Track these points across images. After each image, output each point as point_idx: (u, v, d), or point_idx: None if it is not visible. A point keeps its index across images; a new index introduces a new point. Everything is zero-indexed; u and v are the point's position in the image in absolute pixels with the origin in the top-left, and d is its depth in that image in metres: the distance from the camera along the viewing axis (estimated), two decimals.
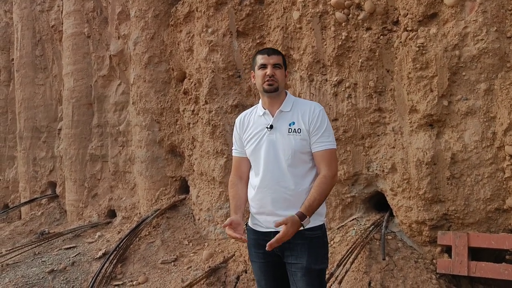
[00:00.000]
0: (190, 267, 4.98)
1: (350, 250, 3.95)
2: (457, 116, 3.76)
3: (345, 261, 3.85)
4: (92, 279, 5.04)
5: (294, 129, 2.42)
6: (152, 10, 6.26)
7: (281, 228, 2.32)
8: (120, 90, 7.22)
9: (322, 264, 2.42)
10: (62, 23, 7.94)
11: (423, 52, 3.79)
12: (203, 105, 5.52)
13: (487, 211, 3.72)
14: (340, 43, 4.28)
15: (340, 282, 3.72)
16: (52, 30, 8.55)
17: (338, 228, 4.45)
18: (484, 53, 3.57)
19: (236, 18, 5.14)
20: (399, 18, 4.04)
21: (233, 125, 5.35)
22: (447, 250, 3.88)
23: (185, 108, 5.99)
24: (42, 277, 5.40)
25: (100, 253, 5.72)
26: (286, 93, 2.54)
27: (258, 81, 2.49)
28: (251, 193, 2.52)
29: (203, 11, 5.41)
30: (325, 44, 4.40)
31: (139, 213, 6.55)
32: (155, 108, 6.36)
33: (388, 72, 4.18)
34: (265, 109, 2.51)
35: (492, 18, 3.53)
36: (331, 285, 3.73)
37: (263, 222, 2.45)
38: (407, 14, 3.90)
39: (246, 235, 2.55)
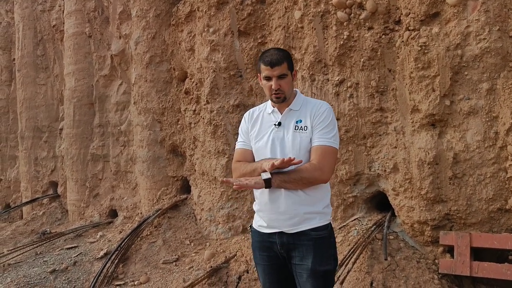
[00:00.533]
0: (192, 267, 4.98)
1: (352, 250, 3.94)
2: (459, 116, 3.75)
3: (347, 261, 3.84)
4: (94, 279, 5.04)
5: (301, 127, 2.40)
6: (153, 10, 6.26)
7: (284, 229, 2.34)
8: (121, 90, 7.22)
9: (327, 265, 2.37)
10: (64, 23, 7.94)
11: (425, 51, 3.78)
12: (204, 104, 5.51)
13: (489, 211, 3.71)
14: (341, 42, 4.27)
15: (342, 282, 3.71)
16: (53, 30, 8.56)
17: (340, 228, 4.44)
18: (486, 53, 3.56)
19: (237, 17, 5.13)
20: (401, 18, 4.02)
21: (234, 125, 5.37)
22: (449, 250, 3.87)
23: (186, 108, 5.99)
24: (44, 277, 5.40)
25: (101, 253, 5.72)
26: (296, 92, 2.52)
27: (265, 91, 2.47)
28: (256, 190, 2.47)
29: (204, 10, 5.40)
30: (327, 44, 4.39)
31: (141, 213, 6.55)
32: (156, 108, 6.35)
33: (390, 71, 4.17)
34: (274, 107, 2.51)
35: (494, 17, 3.52)
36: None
37: (267, 220, 2.42)
38: (409, 13, 3.89)
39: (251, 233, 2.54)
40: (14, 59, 9.51)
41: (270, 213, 2.40)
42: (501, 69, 3.57)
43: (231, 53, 5.25)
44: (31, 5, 8.84)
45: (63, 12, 8.05)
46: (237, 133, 5.34)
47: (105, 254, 5.67)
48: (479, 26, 3.56)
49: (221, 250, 5.05)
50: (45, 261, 5.86)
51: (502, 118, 3.59)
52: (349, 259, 3.86)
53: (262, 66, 2.41)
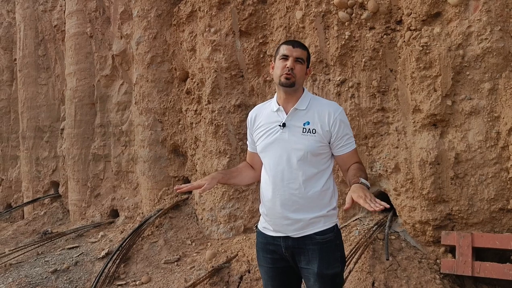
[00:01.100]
0: (193, 267, 4.98)
1: (353, 250, 3.94)
2: (461, 116, 3.75)
3: (348, 261, 3.84)
4: (95, 279, 5.04)
5: (309, 129, 2.29)
6: (154, 10, 6.26)
7: (289, 234, 2.32)
8: (122, 90, 7.23)
9: (335, 268, 2.32)
10: (65, 23, 7.94)
11: (427, 51, 3.77)
12: (205, 105, 5.51)
13: (491, 211, 3.71)
14: (343, 42, 4.27)
15: (343, 282, 3.71)
16: (54, 30, 8.56)
17: (341, 228, 4.43)
18: (488, 53, 3.56)
19: (239, 17, 5.13)
20: (403, 18, 4.02)
21: (236, 125, 5.37)
22: (451, 250, 3.86)
23: (187, 108, 5.99)
24: (45, 277, 5.41)
25: (103, 253, 5.73)
26: (303, 90, 2.41)
27: (276, 72, 2.34)
28: (262, 192, 2.44)
29: (205, 10, 5.40)
30: (328, 44, 4.39)
31: (142, 213, 6.55)
32: (157, 108, 6.35)
33: (391, 71, 4.17)
34: (279, 105, 2.38)
35: (496, 17, 3.52)
36: None
37: (272, 225, 2.38)
38: (411, 13, 3.88)
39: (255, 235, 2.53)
40: (15, 59, 9.51)
41: (275, 218, 2.35)
42: (503, 69, 3.57)
43: (232, 53, 5.25)
44: (33, 5, 8.84)
45: (64, 12, 8.05)
46: (238, 133, 5.38)
47: (107, 254, 5.67)
48: (480, 26, 3.56)
49: (223, 250, 5.05)
50: (47, 261, 5.87)
51: (503, 118, 3.58)
52: (350, 259, 3.86)
53: (283, 46, 2.35)
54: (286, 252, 2.35)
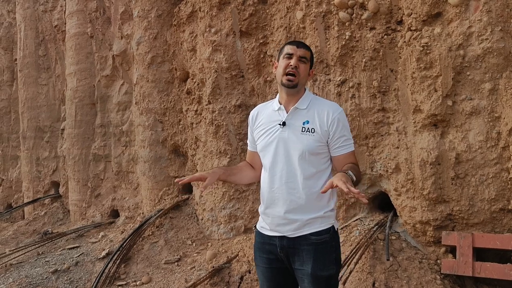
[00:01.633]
0: (194, 267, 4.98)
1: (354, 251, 3.94)
2: (462, 116, 3.75)
3: (349, 262, 3.84)
4: (96, 279, 5.04)
5: (308, 128, 2.30)
6: (155, 10, 6.26)
7: (285, 233, 2.31)
8: (123, 90, 7.23)
9: (329, 270, 2.29)
10: (65, 23, 7.95)
11: (427, 51, 3.77)
12: (206, 105, 5.52)
13: (491, 211, 3.70)
14: (343, 42, 4.27)
15: (344, 283, 3.71)
16: (55, 30, 8.56)
17: (341, 229, 4.44)
18: (488, 53, 3.56)
19: (239, 18, 5.13)
20: (403, 18, 4.02)
21: (236, 125, 5.37)
22: (452, 250, 3.86)
23: (188, 108, 5.99)
24: (46, 277, 5.41)
25: (103, 253, 5.73)
26: (305, 90, 2.41)
27: (279, 71, 2.35)
28: (261, 191, 2.45)
29: (206, 11, 5.40)
30: (329, 44, 4.39)
31: (142, 213, 6.55)
32: (158, 108, 6.36)
33: (392, 72, 4.16)
34: (280, 104, 2.39)
35: (496, 17, 3.52)
36: None
37: (269, 224, 2.38)
38: (411, 13, 3.88)
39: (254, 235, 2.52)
40: (16, 59, 9.51)
41: (273, 217, 2.35)
42: (504, 69, 3.57)
43: (232, 54, 5.25)
44: (33, 6, 8.85)
45: (64, 12, 8.06)
46: (239, 133, 5.38)
47: (107, 254, 5.67)
48: (481, 26, 3.56)
49: (223, 250, 5.05)
50: (47, 261, 5.87)
51: (504, 118, 3.58)
52: (351, 259, 3.86)
53: (287, 46, 2.36)
54: (281, 252, 2.34)
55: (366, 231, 4.22)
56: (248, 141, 2.61)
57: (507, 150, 3.59)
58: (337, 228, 2.41)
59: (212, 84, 5.37)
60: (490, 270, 3.58)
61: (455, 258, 3.76)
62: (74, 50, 7.57)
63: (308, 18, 4.49)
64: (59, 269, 5.55)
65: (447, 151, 3.80)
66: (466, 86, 3.71)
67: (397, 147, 4.15)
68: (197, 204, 5.91)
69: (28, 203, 8.80)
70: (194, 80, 5.84)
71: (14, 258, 6.13)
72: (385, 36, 4.12)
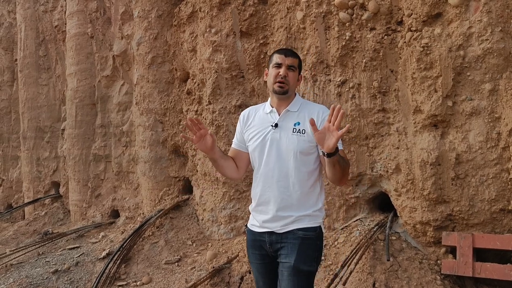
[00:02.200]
0: (194, 267, 4.98)
1: (354, 251, 3.94)
2: (462, 117, 3.75)
3: (349, 262, 3.84)
4: (96, 279, 5.04)
5: (299, 130, 2.40)
6: (155, 10, 6.26)
7: (274, 229, 2.37)
8: (123, 90, 7.23)
9: (310, 266, 2.37)
10: (66, 23, 7.95)
11: (428, 52, 3.78)
12: (206, 105, 5.52)
13: (492, 211, 3.71)
14: (344, 43, 4.27)
15: (344, 283, 3.71)
16: (55, 30, 8.57)
17: (342, 229, 4.45)
18: (488, 53, 3.56)
19: (239, 18, 5.14)
20: (403, 18, 4.02)
21: (236, 126, 5.36)
22: (452, 250, 3.87)
23: (188, 109, 5.99)
24: (46, 278, 5.41)
25: (103, 253, 5.73)
26: (295, 94, 2.54)
27: (270, 79, 2.48)
28: (252, 189, 2.53)
29: (206, 11, 5.40)
30: (329, 44, 4.40)
31: (143, 213, 6.56)
32: (158, 108, 6.36)
33: (392, 72, 4.17)
34: (272, 107, 2.51)
35: (497, 18, 3.52)
36: (336, 286, 3.72)
37: (259, 220, 2.46)
38: (411, 14, 3.89)
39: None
40: (16, 59, 9.52)
41: (263, 214, 2.44)
42: (504, 69, 3.57)
43: (233, 54, 5.26)
44: (33, 6, 8.85)
45: (65, 12, 8.06)
46: None
47: (107, 255, 5.67)
48: (481, 27, 3.56)
49: (223, 251, 5.05)
50: (47, 261, 5.87)
51: (504, 119, 3.59)
52: (351, 259, 3.86)
53: (276, 55, 2.49)
54: (270, 247, 2.42)
55: (366, 232, 4.22)
56: (234, 139, 2.66)
57: (507, 150, 3.59)
58: (324, 231, 2.51)
59: (213, 84, 5.37)
60: (490, 270, 3.58)
61: (455, 258, 3.77)
62: (74, 51, 7.57)
63: (308, 19, 4.49)
64: (59, 269, 5.55)
65: (447, 152, 3.80)
66: (466, 86, 3.71)
67: (397, 148, 4.15)
68: (197, 204, 5.92)
69: (29, 203, 8.80)
70: (194, 81, 5.84)
71: (14, 258, 6.13)
72: (385, 36, 4.13)
